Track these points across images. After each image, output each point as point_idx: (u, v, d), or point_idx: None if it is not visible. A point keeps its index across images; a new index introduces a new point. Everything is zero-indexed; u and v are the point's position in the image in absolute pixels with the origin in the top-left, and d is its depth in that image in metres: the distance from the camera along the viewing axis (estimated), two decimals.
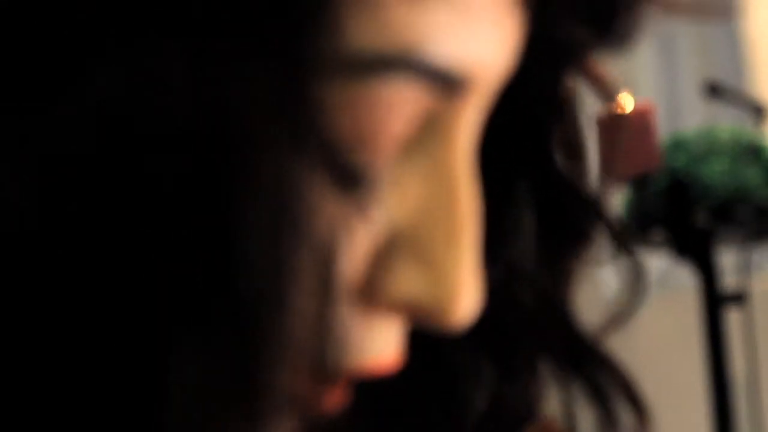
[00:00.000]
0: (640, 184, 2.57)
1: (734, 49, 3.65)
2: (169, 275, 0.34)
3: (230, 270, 0.34)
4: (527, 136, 0.48)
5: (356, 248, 0.38)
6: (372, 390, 0.44)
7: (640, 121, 2.69)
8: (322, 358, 0.36)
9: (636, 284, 0.49)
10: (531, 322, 0.49)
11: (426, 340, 0.46)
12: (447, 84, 0.38)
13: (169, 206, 0.34)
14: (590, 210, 0.48)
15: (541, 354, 0.50)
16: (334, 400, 0.40)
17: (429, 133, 0.40)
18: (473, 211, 0.40)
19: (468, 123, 0.40)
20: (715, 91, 3.01)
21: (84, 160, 0.34)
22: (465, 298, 0.40)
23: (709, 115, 3.23)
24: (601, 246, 0.48)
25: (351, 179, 0.37)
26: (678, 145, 2.62)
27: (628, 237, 0.48)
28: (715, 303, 2.53)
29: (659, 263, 2.85)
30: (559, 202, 0.48)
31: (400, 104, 0.38)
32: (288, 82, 0.34)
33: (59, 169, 0.34)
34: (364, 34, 0.36)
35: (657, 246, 2.57)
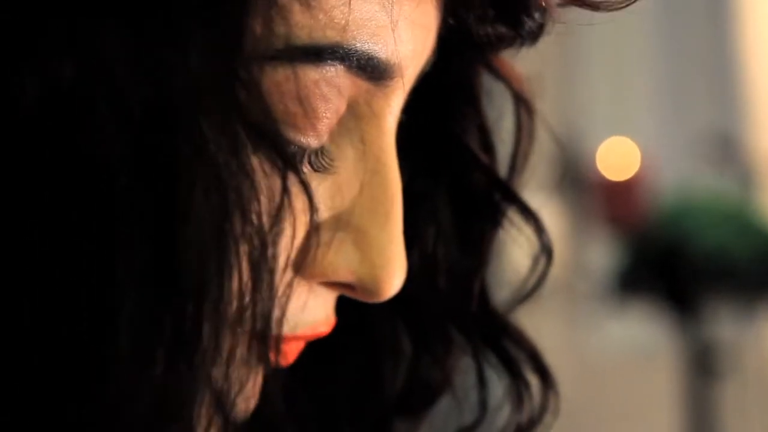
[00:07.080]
0: (632, 246, 2.58)
1: (736, 100, 3.66)
2: (116, 245, 0.38)
3: (172, 245, 0.38)
4: (441, 124, 0.52)
5: (296, 228, 0.42)
6: (299, 366, 0.48)
7: (632, 185, 2.70)
8: (264, 328, 0.40)
9: (543, 263, 0.53)
10: (446, 299, 0.53)
11: (348, 316, 0.49)
12: (374, 72, 0.43)
13: (115, 186, 0.37)
14: (501, 192, 0.51)
15: (457, 329, 0.54)
16: (288, 355, 0.44)
17: (360, 117, 0.44)
18: (399, 191, 0.45)
19: (393, 109, 0.45)
20: (723, 145, 3.06)
21: (39, 139, 0.37)
22: (395, 274, 0.44)
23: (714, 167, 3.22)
24: (514, 227, 0.52)
25: (290, 159, 0.41)
26: (676, 211, 2.61)
27: (537, 216, 0.51)
28: (705, 373, 2.56)
29: (645, 329, 2.85)
30: (471, 186, 0.52)
31: (332, 88, 0.42)
32: (221, 66, 0.38)
33: (11, 149, 0.37)
34: (300, 26, 0.41)
35: (647, 309, 2.58)
